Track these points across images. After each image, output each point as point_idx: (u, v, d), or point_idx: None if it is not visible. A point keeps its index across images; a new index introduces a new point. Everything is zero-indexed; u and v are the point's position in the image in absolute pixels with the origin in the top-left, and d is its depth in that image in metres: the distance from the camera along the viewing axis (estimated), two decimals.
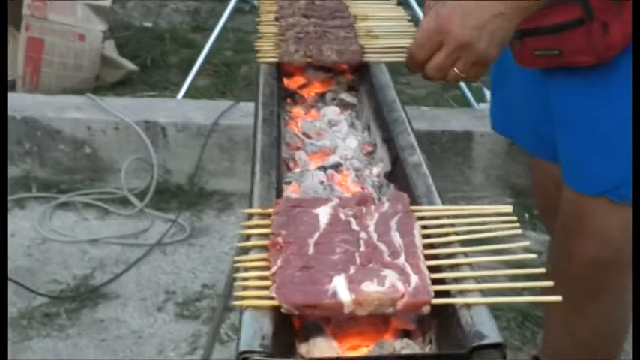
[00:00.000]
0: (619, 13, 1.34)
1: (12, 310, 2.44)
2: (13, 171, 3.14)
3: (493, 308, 2.73)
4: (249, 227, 1.01)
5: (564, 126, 1.56)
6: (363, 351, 0.90)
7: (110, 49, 3.92)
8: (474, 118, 3.28)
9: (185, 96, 3.52)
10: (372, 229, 0.96)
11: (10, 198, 3.04)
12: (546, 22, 1.40)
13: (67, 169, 3.16)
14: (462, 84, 3.50)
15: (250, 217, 1.03)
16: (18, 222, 2.93)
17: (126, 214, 2.99)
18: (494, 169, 3.20)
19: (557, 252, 1.75)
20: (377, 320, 0.93)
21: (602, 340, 1.71)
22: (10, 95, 3.45)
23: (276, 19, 1.74)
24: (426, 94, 3.89)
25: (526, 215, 2.97)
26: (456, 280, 0.90)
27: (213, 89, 3.83)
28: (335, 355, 0.87)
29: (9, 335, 2.34)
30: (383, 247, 0.93)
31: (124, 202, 3.04)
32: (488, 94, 3.36)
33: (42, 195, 3.08)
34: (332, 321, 0.93)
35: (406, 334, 0.94)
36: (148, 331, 2.42)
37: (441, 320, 0.89)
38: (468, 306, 0.86)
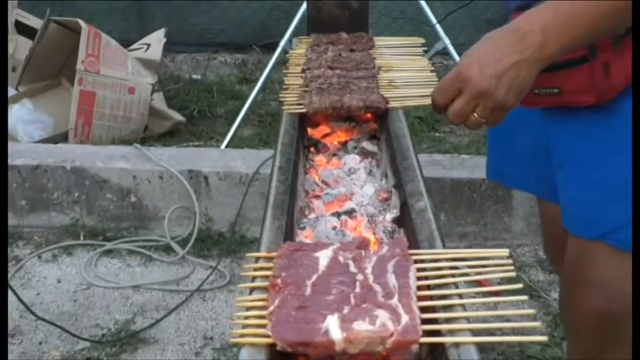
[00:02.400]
0: (620, 55, 1.34)
1: (55, 354, 2.52)
2: (62, 219, 3.26)
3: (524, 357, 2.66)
4: (255, 269, 1.05)
5: (563, 167, 1.54)
6: None
7: (159, 101, 4.04)
8: None
9: (229, 145, 3.60)
10: (369, 271, 1.00)
11: (58, 245, 3.15)
12: None
13: (113, 217, 3.26)
14: None
15: (257, 260, 1.08)
16: (65, 268, 3.03)
17: (168, 261, 3.06)
18: (535, 216, 3.18)
19: (563, 303, 1.71)
20: None
21: None
22: (61, 146, 3.61)
23: (303, 71, 1.80)
24: (468, 143, 3.90)
25: None
26: (448, 321, 0.93)
27: (257, 139, 3.91)
28: None
29: None
30: (378, 288, 0.96)
31: (167, 249, 3.12)
32: None
33: (89, 242, 3.17)
34: None
35: None
36: None
37: (433, 359, 0.92)
38: (457, 345, 0.88)
